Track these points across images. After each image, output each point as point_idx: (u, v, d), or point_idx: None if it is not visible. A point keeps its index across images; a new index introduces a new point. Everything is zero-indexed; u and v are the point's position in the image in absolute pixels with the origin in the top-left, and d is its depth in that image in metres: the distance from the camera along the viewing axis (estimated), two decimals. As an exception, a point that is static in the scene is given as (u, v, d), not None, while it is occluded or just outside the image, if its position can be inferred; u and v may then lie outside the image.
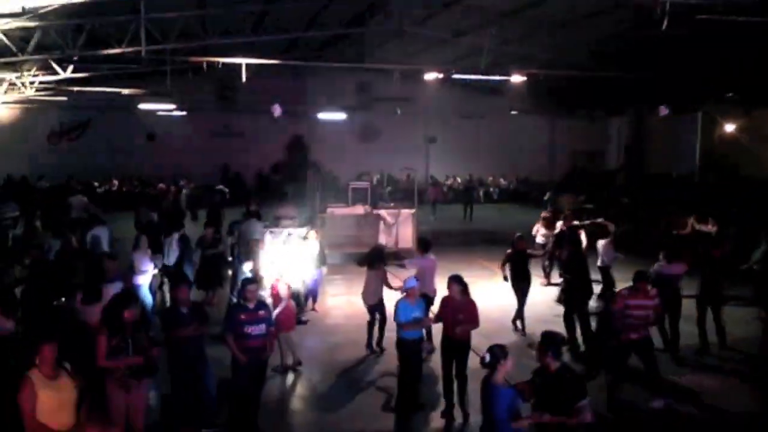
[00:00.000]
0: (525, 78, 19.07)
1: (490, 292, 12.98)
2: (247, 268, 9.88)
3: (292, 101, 26.93)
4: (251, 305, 7.21)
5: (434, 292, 9.74)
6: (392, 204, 19.10)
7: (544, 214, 15.04)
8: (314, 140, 30.82)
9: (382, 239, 16.72)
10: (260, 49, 21.39)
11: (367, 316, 10.25)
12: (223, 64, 17.96)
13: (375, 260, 10.16)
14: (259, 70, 24.83)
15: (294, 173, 28.02)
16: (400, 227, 16.99)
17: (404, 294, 7.87)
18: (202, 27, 17.62)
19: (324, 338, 10.96)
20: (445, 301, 7.94)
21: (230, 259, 15.71)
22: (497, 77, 18.98)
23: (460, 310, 7.69)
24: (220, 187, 24.03)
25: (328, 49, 24.91)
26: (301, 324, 11.07)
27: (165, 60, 19.57)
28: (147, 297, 10.36)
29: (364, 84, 31.02)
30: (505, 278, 11.33)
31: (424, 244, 10.51)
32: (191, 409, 7.15)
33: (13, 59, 17.99)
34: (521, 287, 11.17)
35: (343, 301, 12.95)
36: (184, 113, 26.44)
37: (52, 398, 5.13)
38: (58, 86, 24.78)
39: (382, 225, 17.00)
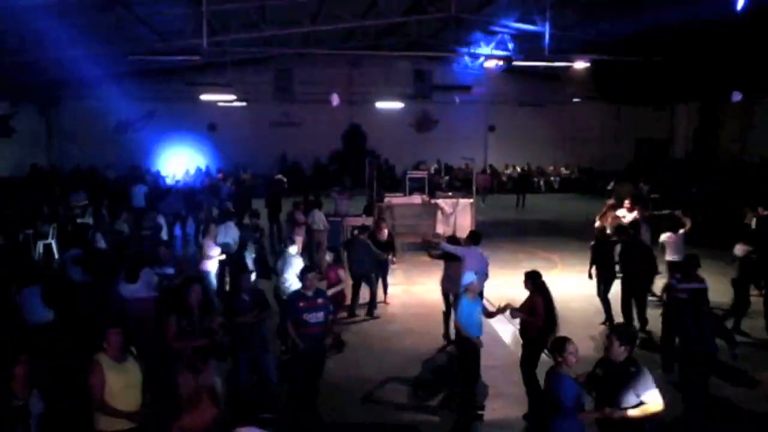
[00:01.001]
0: (588, 64, 18.49)
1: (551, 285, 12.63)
2: (293, 250, 9.78)
3: (349, 90, 27.03)
4: (310, 293, 7.24)
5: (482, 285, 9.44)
6: (450, 193, 18.86)
7: (610, 202, 14.58)
8: (371, 129, 30.78)
9: (440, 229, 16.54)
10: (318, 39, 21.51)
11: (441, 306, 10.12)
12: (282, 54, 18.05)
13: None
14: (317, 59, 25.04)
15: (351, 162, 28.13)
16: (458, 216, 16.78)
17: (464, 290, 7.58)
18: (261, 18, 17.74)
19: (381, 327, 10.93)
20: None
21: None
22: (559, 64, 18.43)
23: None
24: (279, 176, 24.26)
25: (386, 37, 24.78)
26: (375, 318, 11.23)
27: (225, 51, 19.85)
28: (213, 283, 10.54)
29: (421, 72, 30.76)
30: (590, 275, 11.00)
31: (472, 236, 10.13)
32: (251, 393, 7.22)
33: (82, 52, 18.60)
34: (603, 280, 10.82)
35: (400, 291, 12.92)
36: (243, 104, 26.81)
37: (119, 380, 5.25)
38: (126, 78, 25.55)
39: (439, 214, 16.83)
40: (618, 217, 12.95)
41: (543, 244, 17.55)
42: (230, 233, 11.76)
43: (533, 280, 7.58)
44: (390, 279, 12.46)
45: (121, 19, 16.81)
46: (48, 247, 14.95)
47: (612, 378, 5.18)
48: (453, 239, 10.56)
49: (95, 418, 5.28)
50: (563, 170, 33.45)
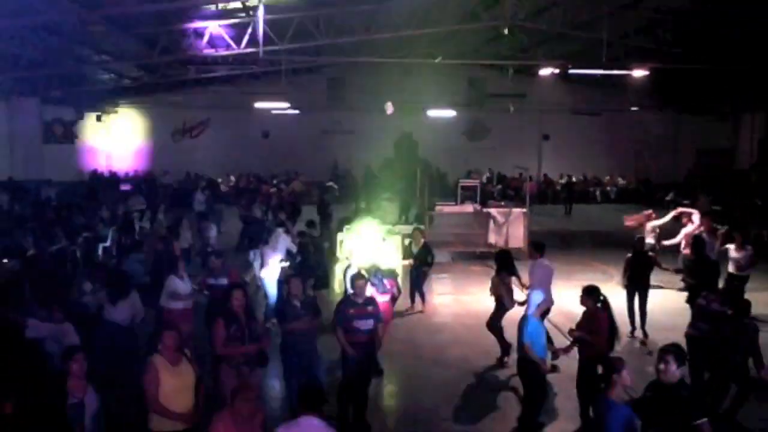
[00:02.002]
0: (647, 72, 18.03)
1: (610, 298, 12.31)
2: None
3: (401, 98, 26.98)
4: (360, 300, 7.22)
5: (552, 302, 9.03)
6: (503, 203, 18.61)
7: (647, 212, 14.27)
8: (423, 137, 30.68)
9: (492, 238, 16.35)
10: (371, 47, 21.60)
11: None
12: (336, 62, 18.19)
13: (502, 266, 9.62)
14: (370, 67, 25.12)
15: (402, 170, 28.07)
16: (510, 226, 16.52)
17: (534, 309, 7.06)
18: (315, 27, 17.93)
19: (431, 336, 10.82)
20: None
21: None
22: (617, 72, 18.01)
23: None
24: (330, 183, 24.43)
25: (440, 45, 24.70)
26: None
27: (280, 60, 20.14)
28: (272, 290, 10.61)
29: (474, 80, 30.54)
30: (626, 286, 10.69)
31: (538, 246, 9.78)
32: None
33: (140, 61, 19.21)
34: (638, 292, 10.49)
35: (450, 300, 12.76)
36: (297, 111, 27.15)
37: (173, 382, 5.32)
38: (182, 86, 26.24)
39: (491, 224, 16.62)
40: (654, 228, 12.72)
41: (598, 256, 17.09)
42: (280, 240, 11.91)
43: (593, 297, 7.17)
44: (439, 288, 12.33)
45: (180, 30, 17.29)
46: (107, 250, 15.35)
47: (663, 402, 4.92)
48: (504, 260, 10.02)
49: (149, 418, 5.37)
50: (620, 180, 32.60)
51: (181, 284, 8.49)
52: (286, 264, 10.99)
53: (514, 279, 9.73)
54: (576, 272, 14.78)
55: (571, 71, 18.45)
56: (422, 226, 13.32)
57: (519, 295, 9.43)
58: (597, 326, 7.00)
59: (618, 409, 4.93)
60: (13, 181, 21.73)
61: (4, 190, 19.73)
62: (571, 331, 7.20)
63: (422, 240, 12.06)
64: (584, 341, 7.10)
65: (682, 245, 12.86)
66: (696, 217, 13.22)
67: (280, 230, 12.39)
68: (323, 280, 11.93)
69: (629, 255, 10.79)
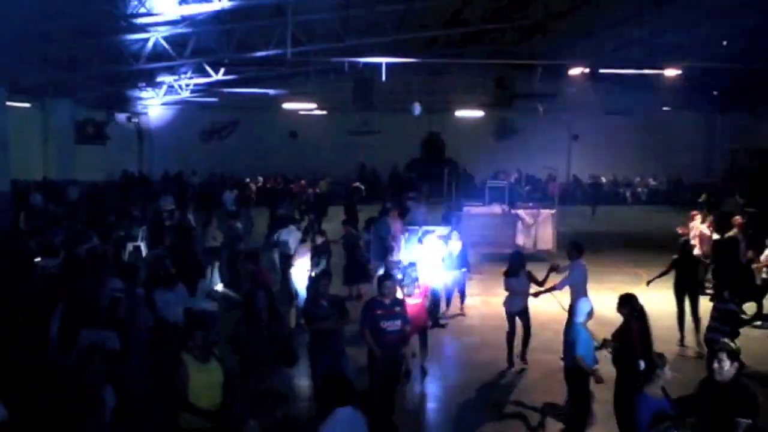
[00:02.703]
0: (680, 71, 17.69)
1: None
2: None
3: (429, 98, 26.91)
4: (387, 301, 7.17)
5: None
6: (531, 204, 18.39)
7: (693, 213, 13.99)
8: (450, 137, 30.55)
9: (520, 240, 16.18)
10: (399, 48, 21.55)
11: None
12: (363, 63, 18.18)
13: (516, 267, 9.49)
14: (398, 68, 25.04)
15: (429, 171, 27.98)
16: (539, 228, 16.34)
17: (584, 318, 6.82)
18: (343, 28, 17.95)
19: (460, 338, 10.75)
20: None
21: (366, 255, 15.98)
22: (650, 71, 17.70)
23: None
24: (357, 184, 24.45)
25: (468, 45, 24.59)
26: (440, 327, 10.93)
27: (308, 61, 20.21)
28: (297, 289, 10.68)
29: (503, 80, 30.30)
30: (648, 283, 10.47)
31: (576, 246, 9.51)
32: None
33: (172, 63, 19.41)
34: (689, 298, 10.21)
35: (479, 302, 12.65)
36: (324, 112, 27.22)
37: (201, 380, 5.34)
38: (210, 88, 26.49)
39: (520, 225, 16.44)
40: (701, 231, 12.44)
41: (629, 258, 16.83)
42: (292, 235, 12.04)
43: (631, 305, 6.87)
44: (467, 290, 12.23)
45: (209, 32, 17.44)
46: (137, 248, 15.56)
47: (718, 401, 4.80)
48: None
49: (178, 415, 5.39)
50: (651, 181, 32.09)
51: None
52: (314, 267, 11.03)
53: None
54: (607, 274, 14.56)
55: (602, 70, 18.14)
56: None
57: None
58: (628, 336, 6.75)
59: (650, 401, 4.85)
60: (47, 180, 22.13)
61: (38, 190, 20.07)
62: (605, 341, 6.97)
63: (460, 241, 11.97)
64: (620, 351, 6.82)
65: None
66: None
67: (293, 227, 12.48)
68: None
69: (675, 257, 10.52)
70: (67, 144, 22.31)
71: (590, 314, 6.77)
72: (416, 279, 8.96)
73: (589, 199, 27.15)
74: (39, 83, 19.46)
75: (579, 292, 8.62)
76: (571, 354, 6.71)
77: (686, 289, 10.18)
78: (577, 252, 9.39)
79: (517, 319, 9.34)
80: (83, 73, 19.67)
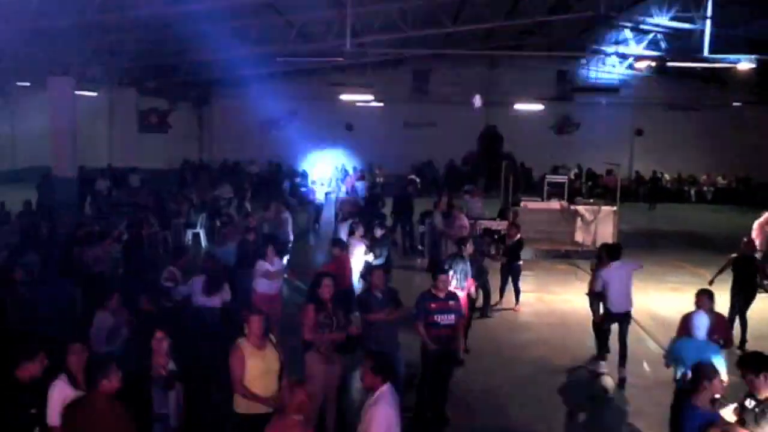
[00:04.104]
0: (754, 65, 16.89)
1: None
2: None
3: (486, 91, 26.63)
4: (442, 294, 7.14)
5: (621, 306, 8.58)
6: (591, 200, 17.92)
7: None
8: (508, 131, 30.07)
9: (579, 237, 15.84)
10: (457, 40, 21.34)
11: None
12: (421, 55, 18.05)
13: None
14: (455, 60, 24.84)
15: (486, 165, 27.67)
16: (599, 225, 15.91)
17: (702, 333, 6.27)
18: (402, 19, 17.84)
19: (512, 335, 10.59)
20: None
21: (420, 248, 15.95)
22: (720, 65, 16.94)
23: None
24: (412, 176, 24.33)
25: (528, 37, 24.12)
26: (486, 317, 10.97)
27: (365, 52, 20.19)
28: (356, 281, 10.64)
29: (564, 73, 29.65)
30: (710, 283, 10.06)
31: (611, 251, 9.08)
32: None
33: (232, 54, 19.70)
34: (743, 297, 9.83)
35: (533, 298, 12.44)
36: (380, 104, 27.20)
37: (258, 366, 5.39)
38: (270, 78, 26.83)
39: (579, 222, 16.07)
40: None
41: (691, 258, 16.21)
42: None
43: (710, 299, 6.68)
44: (523, 286, 12.04)
45: (271, 23, 17.61)
46: (196, 235, 15.93)
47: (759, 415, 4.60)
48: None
49: (235, 400, 5.47)
50: (719, 179, 30.83)
51: (268, 265, 8.80)
52: (371, 257, 11.02)
53: None
54: (667, 274, 14.13)
55: (670, 63, 17.47)
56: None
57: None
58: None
59: (698, 413, 4.65)
60: (111, 167, 22.88)
61: (103, 177, 20.78)
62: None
63: (518, 235, 11.81)
64: None
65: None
66: None
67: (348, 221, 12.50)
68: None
69: (734, 256, 10.16)
70: (131, 132, 22.99)
71: (708, 329, 6.26)
72: (466, 272, 8.88)
73: (649, 196, 26.33)
74: (105, 73, 20.07)
75: (610, 297, 8.50)
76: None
77: (742, 290, 9.88)
78: (610, 257, 8.91)
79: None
80: (147, 63, 20.21)
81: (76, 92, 17.41)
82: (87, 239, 10.26)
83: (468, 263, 9.13)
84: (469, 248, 9.39)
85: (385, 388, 4.87)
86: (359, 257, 10.75)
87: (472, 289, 9.42)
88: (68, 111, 16.63)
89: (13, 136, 26.14)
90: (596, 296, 9.00)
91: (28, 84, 21.54)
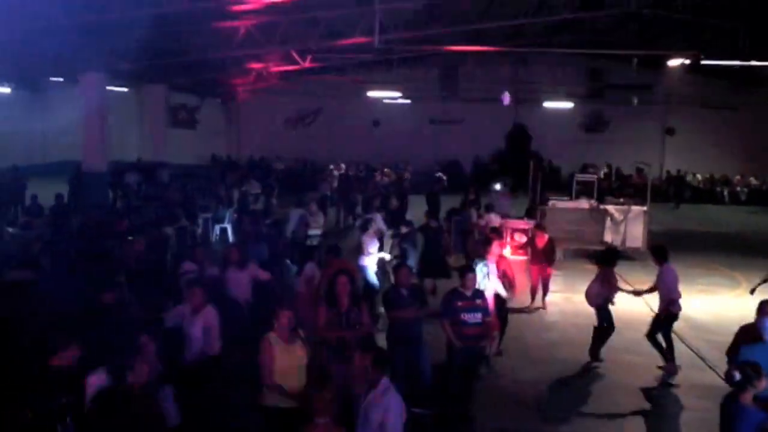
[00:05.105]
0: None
1: (733, 305, 11.47)
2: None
3: (515, 88, 26.38)
4: (469, 293, 7.10)
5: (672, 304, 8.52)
6: (621, 200, 17.63)
7: None
8: (537, 129, 29.79)
9: (608, 236, 15.59)
10: (485, 36, 21.15)
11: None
12: (449, 52, 17.92)
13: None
14: (483, 57, 24.62)
15: (514, 163, 27.43)
16: (628, 225, 15.65)
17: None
18: (429, 16, 17.73)
19: (539, 334, 10.50)
20: None
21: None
22: (758, 63, 16.50)
23: None
24: (439, 174, 24.22)
25: (558, 34, 23.82)
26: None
27: (392, 49, 20.11)
28: (372, 278, 10.60)
29: (594, 70, 29.25)
30: (751, 293, 9.84)
31: (661, 252, 9.03)
32: (405, 387, 7.16)
33: (260, 51, 19.79)
34: None
35: (560, 298, 12.28)
36: (407, 101, 27.14)
37: (286, 360, 5.43)
38: (297, 75, 26.91)
39: (608, 221, 15.83)
40: None
41: (724, 261, 15.90)
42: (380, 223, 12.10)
43: None
44: (550, 286, 11.91)
45: (298, 20, 17.62)
46: (224, 230, 16.04)
47: None
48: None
49: (263, 393, 5.50)
50: (752, 180, 30.13)
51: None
52: (388, 256, 10.98)
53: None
54: (698, 276, 13.86)
55: (704, 62, 17.02)
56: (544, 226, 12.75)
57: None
58: None
59: (751, 413, 4.59)
60: (141, 162, 23.16)
61: (132, 171, 21.03)
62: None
63: (546, 235, 11.68)
64: None
65: None
66: None
67: (378, 216, 12.43)
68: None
69: None
70: (160, 127, 23.24)
71: None
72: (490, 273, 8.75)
73: (674, 195, 26.09)
74: (136, 69, 20.28)
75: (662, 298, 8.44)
76: None
77: None
78: (663, 257, 8.91)
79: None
80: (176, 60, 20.37)
81: (107, 88, 17.62)
82: (125, 234, 10.31)
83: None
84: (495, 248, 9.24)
85: (386, 380, 4.97)
86: (373, 254, 10.71)
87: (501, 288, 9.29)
88: (99, 106, 16.85)
89: (45, 131, 26.63)
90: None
91: (60, 80, 21.87)
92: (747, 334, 6.29)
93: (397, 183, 22.88)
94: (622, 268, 10.35)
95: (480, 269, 8.49)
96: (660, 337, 8.70)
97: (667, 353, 8.72)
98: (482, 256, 9.00)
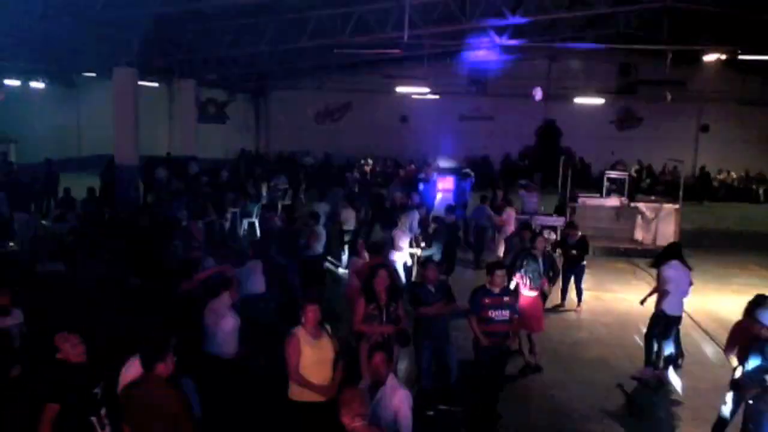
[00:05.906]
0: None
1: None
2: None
3: (546, 84, 26.05)
4: (497, 290, 7.01)
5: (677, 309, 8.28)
6: (653, 197, 17.34)
7: None
8: (567, 125, 29.42)
9: (639, 234, 15.36)
10: (516, 31, 20.92)
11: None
12: (478, 47, 17.76)
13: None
14: (514, 53, 24.37)
15: (543, 159, 27.15)
16: (660, 223, 15.38)
17: None
18: (461, 11, 17.58)
19: (567, 333, 10.33)
20: None
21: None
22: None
23: None
24: (466, 170, 24.07)
25: (589, 29, 23.48)
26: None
27: (423, 44, 20.01)
28: (401, 273, 10.56)
29: (626, 66, 28.75)
30: None
31: (672, 250, 8.71)
32: (431, 384, 7.18)
33: (291, 46, 19.88)
34: None
35: (589, 297, 12.09)
36: (436, 97, 27.00)
37: (313, 355, 5.42)
38: (327, 70, 27.00)
39: (639, 219, 15.58)
40: None
41: (759, 259, 15.53)
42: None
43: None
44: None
45: (328, 15, 17.64)
46: (252, 225, 16.15)
47: None
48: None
49: (289, 387, 5.50)
50: (788, 178, 29.39)
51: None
52: (418, 251, 10.93)
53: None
54: (732, 276, 13.56)
55: (742, 57, 16.58)
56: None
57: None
58: None
59: None
60: (170, 156, 23.41)
61: (162, 165, 21.26)
62: None
63: (578, 232, 11.55)
64: None
65: None
66: None
67: (415, 211, 12.39)
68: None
69: None
70: (190, 122, 23.48)
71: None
72: (539, 272, 8.64)
73: (702, 192, 25.65)
74: (166, 65, 20.51)
75: (668, 298, 8.19)
76: None
77: None
78: (670, 255, 8.54)
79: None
80: (207, 55, 20.55)
81: (139, 83, 17.84)
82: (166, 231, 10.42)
83: (540, 262, 8.78)
84: (540, 244, 9.04)
85: (392, 375, 5.07)
86: (404, 249, 10.67)
87: (546, 287, 9.13)
88: (131, 101, 17.06)
89: (79, 125, 27.10)
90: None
91: (93, 75, 22.21)
92: (744, 332, 6.17)
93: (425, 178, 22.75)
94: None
95: (535, 267, 8.47)
96: (656, 340, 8.43)
97: (650, 356, 8.42)
98: (529, 254, 8.81)
